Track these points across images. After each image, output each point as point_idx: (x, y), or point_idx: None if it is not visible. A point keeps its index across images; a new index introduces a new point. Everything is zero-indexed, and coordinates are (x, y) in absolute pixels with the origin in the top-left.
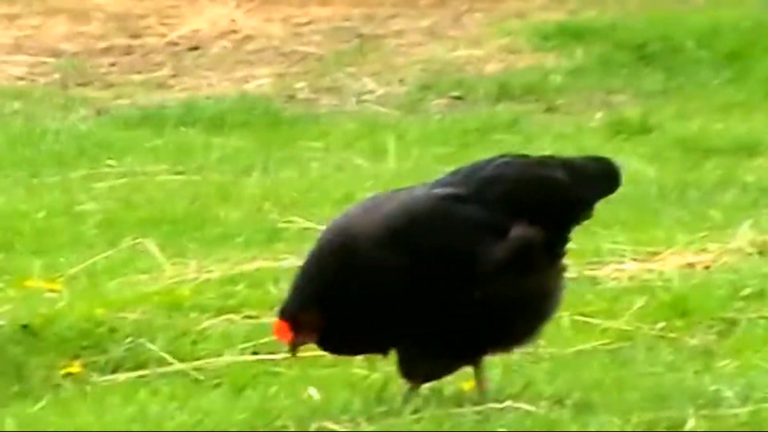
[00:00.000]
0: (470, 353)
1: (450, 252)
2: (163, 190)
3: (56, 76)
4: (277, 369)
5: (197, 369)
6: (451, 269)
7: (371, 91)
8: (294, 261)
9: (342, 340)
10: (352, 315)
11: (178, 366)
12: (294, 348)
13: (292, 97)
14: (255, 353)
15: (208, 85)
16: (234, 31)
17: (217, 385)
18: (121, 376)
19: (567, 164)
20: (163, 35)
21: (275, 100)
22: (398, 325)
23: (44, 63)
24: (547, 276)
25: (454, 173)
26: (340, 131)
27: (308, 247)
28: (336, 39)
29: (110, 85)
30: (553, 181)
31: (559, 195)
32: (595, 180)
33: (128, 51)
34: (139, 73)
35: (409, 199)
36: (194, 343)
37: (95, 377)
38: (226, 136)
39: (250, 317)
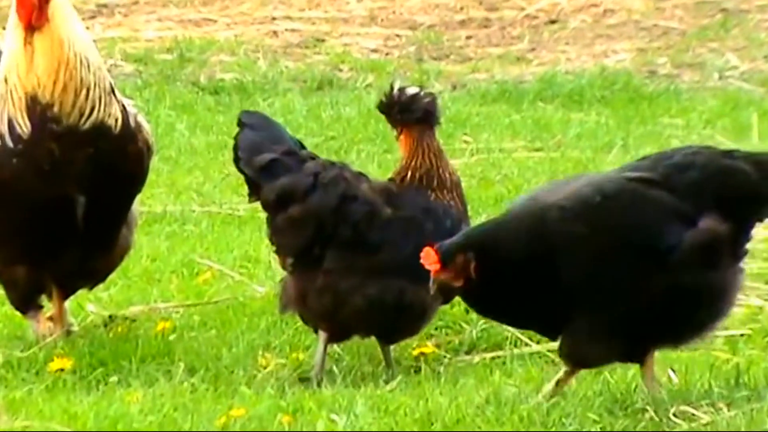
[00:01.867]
0: (641, 343)
1: (637, 231)
2: (519, 166)
3: (411, 48)
4: None
5: (553, 350)
6: (635, 250)
7: (734, 67)
8: None
9: (492, 300)
10: (515, 277)
11: (535, 347)
12: (434, 283)
13: (653, 73)
14: None
15: (567, 60)
16: (594, 5)
17: None
18: (476, 357)
19: (755, 159)
20: (522, 8)
21: (636, 75)
22: (568, 301)
23: (399, 36)
24: (729, 273)
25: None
26: (702, 108)
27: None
28: (699, 13)
29: (467, 59)
30: (742, 174)
31: (747, 188)
32: None
33: (486, 24)
34: (496, 46)
35: (600, 177)
36: None
37: (449, 358)
38: (585, 112)
39: None
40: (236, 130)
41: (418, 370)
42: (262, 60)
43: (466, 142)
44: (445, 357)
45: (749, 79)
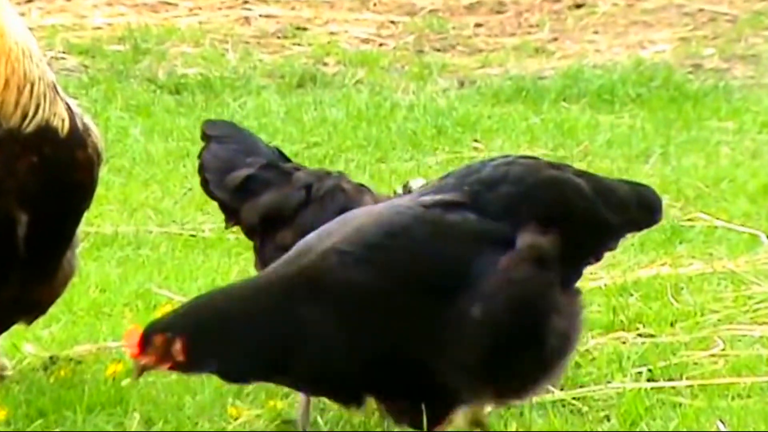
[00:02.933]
0: (463, 395)
1: (435, 270)
2: None
3: (409, 38)
4: (678, 399)
5: (579, 398)
6: (436, 293)
7: None
8: (700, 267)
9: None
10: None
11: (558, 395)
12: (136, 369)
13: (698, 67)
14: (651, 380)
15: (596, 51)
16: None
17: (605, 418)
18: (488, 407)
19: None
20: None
21: (678, 69)
22: (370, 366)
23: (395, 23)
24: (562, 302)
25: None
26: (757, 109)
27: (716, 249)
28: None
29: (476, 51)
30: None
31: (578, 204)
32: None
33: (499, 9)
34: (511, 36)
35: (387, 208)
36: (577, 366)
37: None
38: (617, 114)
39: (644, 335)
40: (200, 138)
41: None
42: (231, 52)
43: (476, 149)
44: None
45: None
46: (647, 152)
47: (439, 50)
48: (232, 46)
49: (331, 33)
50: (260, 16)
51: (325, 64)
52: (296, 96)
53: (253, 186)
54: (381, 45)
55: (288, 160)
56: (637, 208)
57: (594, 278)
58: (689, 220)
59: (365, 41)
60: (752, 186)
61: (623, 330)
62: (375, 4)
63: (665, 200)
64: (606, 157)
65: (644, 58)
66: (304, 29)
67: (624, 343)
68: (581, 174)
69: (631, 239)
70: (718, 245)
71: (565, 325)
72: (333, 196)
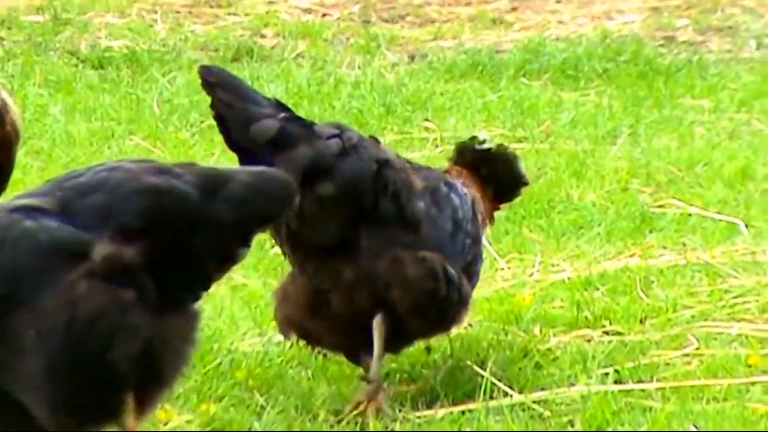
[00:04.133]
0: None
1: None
2: None
3: (355, 8)
4: (648, 402)
5: (540, 401)
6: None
7: None
8: (672, 258)
9: None
10: None
11: (517, 398)
12: None
13: (670, 39)
14: (619, 381)
15: (559, 23)
16: None
17: (568, 423)
18: (440, 411)
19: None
20: None
21: (648, 42)
22: None
23: None
24: (163, 319)
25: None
26: (735, 86)
27: (690, 239)
28: None
29: (428, 22)
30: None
31: (179, 213)
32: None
33: None
34: (467, 5)
35: None
36: (537, 366)
37: (404, 411)
38: (582, 91)
39: (611, 333)
40: (201, 86)
41: (364, 427)
42: (160, 23)
43: (427, 129)
44: (399, 411)
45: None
46: (615, 133)
47: (387, 21)
48: (161, 17)
49: (270, 2)
50: None
51: (263, 36)
52: (231, 70)
53: (283, 138)
54: (324, 15)
55: (286, 108)
56: (261, 201)
57: (556, 270)
58: (660, 206)
59: (307, 11)
60: (729, 170)
61: (588, 327)
62: None
63: (634, 185)
64: (570, 138)
65: (611, 29)
66: None
67: (589, 341)
68: (199, 171)
69: (596, 228)
70: (692, 234)
71: (152, 349)
72: (363, 145)
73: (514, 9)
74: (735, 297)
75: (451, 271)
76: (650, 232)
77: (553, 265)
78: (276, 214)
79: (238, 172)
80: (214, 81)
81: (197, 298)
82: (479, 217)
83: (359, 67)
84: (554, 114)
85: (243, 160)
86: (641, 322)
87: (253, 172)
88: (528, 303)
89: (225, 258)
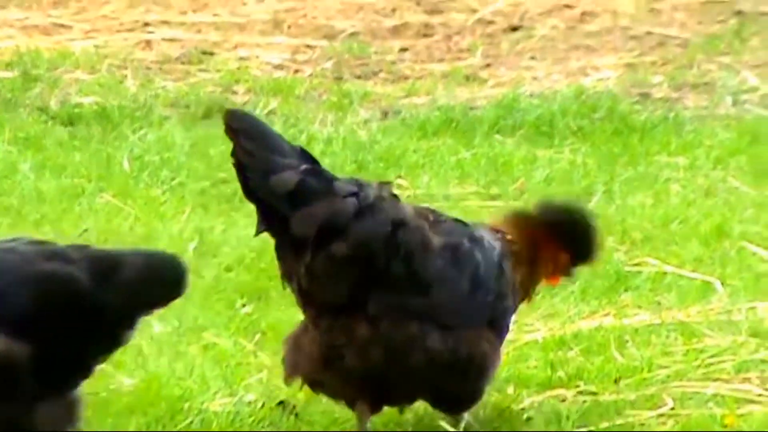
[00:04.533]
0: None
1: None
2: (473, 219)
3: (327, 64)
4: None
5: None
6: None
7: (753, 89)
8: (647, 317)
9: None
10: None
11: None
12: None
13: (645, 96)
14: None
15: (533, 79)
16: (568, 6)
17: None
18: None
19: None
20: (474, 10)
21: (623, 99)
22: None
23: (311, 47)
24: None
25: None
26: (711, 143)
27: (665, 298)
28: (706, 17)
29: (401, 78)
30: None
31: (72, 301)
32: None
33: (426, 32)
34: (440, 61)
35: None
36: (511, 427)
37: None
38: (556, 148)
39: (585, 393)
40: (224, 131)
41: None
42: (130, 79)
43: (400, 186)
44: None
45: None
46: (590, 190)
47: (359, 77)
48: (132, 73)
49: (241, 58)
50: (163, 39)
51: (235, 93)
52: (202, 127)
53: (302, 192)
54: (296, 71)
55: (310, 158)
56: (152, 286)
57: (530, 330)
58: (635, 265)
59: (279, 67)
60: (705, 228)
61: (562, 387)
62: (289, 27)
63: (609, 243)
64: (544, 195)
65: (586, 86)
66: (211, 54)
67: (563, 401)
68: (92, 255)
69: (571, 287)
70: (667, 293)
71: None
72: (380, 206)
73: (487, 65)
74: (710, 356)
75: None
76: (625, 290)
77: (527, 325)
78: (167, 298)
79: (130, 256)
80: (238, 127)
81: (77, 385)
82: (507, 271)
83: (331, 124)
84: (528, 171)
85: (260, 211)
86: (616, 381)
87: (145, 255)
88: (502, 363)
89: (110, 343)
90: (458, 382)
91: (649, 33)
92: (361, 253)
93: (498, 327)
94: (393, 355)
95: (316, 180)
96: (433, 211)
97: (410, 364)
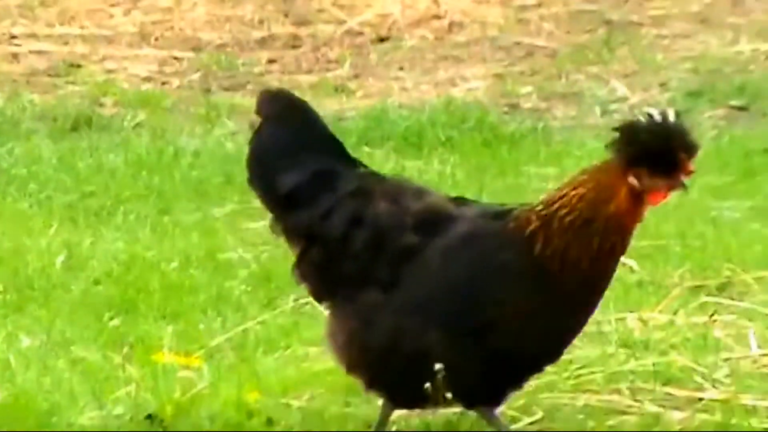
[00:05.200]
0: None
1: None
2: None
3: (195, 76)
4: None
5: None
6: None
7: (622, 99)
8: None
9: None
10: None
11: None
12: None
13: (514, 106)
14: None
15: (402, 90)
16: (437, 17)
17: None
18: None
19: None
20: (342, 21)
21: (492, 109)
22: None
23: (178, 59)
24: None
25: None
26: (580, 153)
27: None
28: (575, 27)
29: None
30: None
31: None
32: None
33: (294, 43)
34: (308, 72)
35: None
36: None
37: None
38: (426, 159)
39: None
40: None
41: None
42: None
43: None
44: None
45: (641, 114)
46: None
47: (227, 89)
48: None
49: (108, 71)
50: (30, 52)
51: (102, 105)
52: (70, 140)
53: (298, 196)
54: (164, 84)
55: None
56: None
57: None
58: None
59: (146, 79)
60: None
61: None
62: (156, 39)
63: None
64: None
65: (455, 96)
66: (78, 66)
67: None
68: None
69: None
70: None
71: None
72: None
73: (356, 76)
74: (580, 368)
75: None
76: None
77: None
78: None
79: None
80: (268, 113)
81: None
82: None
83: (199, 137)
84: None
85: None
86: None
87: None
88: None
89: None
90: None
91: (517, 43)
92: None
93: None
94: None
95: (319, 182)
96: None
97: None
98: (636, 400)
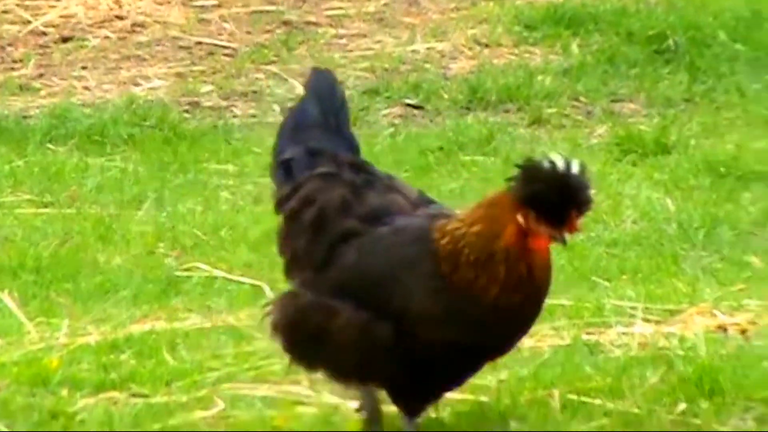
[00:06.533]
0: None
1: None
2: (24, 226)
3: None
4: None
5: None
6: None
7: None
8: (198, 321)
9: None
10: None
11: None
12: None
13: (195, 105)
14: None
15: (85, 89)
16: (120, 17)
17: None
18: None
19: None
20: (27, 22)
21: (173, 108)
22: None
23: None
24: None
25: None
26: (259, 149)
27: (215, 302)
28: (254, 27)
29: None
30: None
31: None
32: None
33: None
34: None
35: None
36: (65, 428)
37: None
38: (108, 157)
39: (137, 395)
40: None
41: None
42: None
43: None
44: None
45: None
46: (140, 197)
47: None
48: None
49: None
50: None
51: None
52: None
53: (291, 172)
54: None
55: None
56: None
57: (83, 334)
58: (186, 270)
59: None
60: (254, 233)
61: (115, 390)
62: None
63: (160, 249)
64: (96, 203)
65: (138, 95)
66: None
67: (116, 404)
68: None
69: (123, 292)
70: (217, 297)
71: None
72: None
73: (40, 75)
74: (261, 359)
75: None
76: (176, 295)
77: (80, 329)
78: None
79: None
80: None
81: None
82: None
83: None
84: (80, 179)
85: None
86: (167, 384)
87: None
88: (55, 366)
89: None
90: None
91: (198, 43)
92: None
93: None
94: None
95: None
96: None
97: None
98: (315, 391)
